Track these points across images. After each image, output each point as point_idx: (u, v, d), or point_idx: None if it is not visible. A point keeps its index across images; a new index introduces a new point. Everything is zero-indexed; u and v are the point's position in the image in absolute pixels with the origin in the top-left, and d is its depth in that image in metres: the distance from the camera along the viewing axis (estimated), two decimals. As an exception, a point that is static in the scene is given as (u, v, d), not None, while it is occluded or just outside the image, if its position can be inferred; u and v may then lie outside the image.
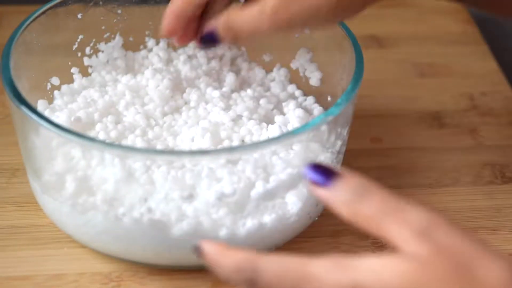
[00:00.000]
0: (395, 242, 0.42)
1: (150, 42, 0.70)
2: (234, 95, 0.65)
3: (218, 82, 0.67)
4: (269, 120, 0.62)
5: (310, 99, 0.66)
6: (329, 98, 0.65)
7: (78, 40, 0.66)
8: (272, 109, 0.64)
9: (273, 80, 0.68)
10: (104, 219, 0.54)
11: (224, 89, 0.65)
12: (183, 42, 0.60)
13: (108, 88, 0.65)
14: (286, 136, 0.54)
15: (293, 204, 0.56)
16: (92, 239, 0.56)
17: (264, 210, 0.55)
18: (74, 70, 0.66)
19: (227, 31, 0.56)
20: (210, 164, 0.54)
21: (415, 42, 0.83)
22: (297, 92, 0.67)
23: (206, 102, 0.63)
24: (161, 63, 0.68)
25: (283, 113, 0.64)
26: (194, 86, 0.65)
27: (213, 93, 0.64)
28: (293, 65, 0.67)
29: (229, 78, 0.66)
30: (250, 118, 0.62)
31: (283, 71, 0.68)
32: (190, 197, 0.53)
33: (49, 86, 0.65)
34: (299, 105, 0.65)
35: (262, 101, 0.64)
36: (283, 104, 0.65)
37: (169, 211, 0.53)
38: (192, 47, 0.69)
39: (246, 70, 0.69)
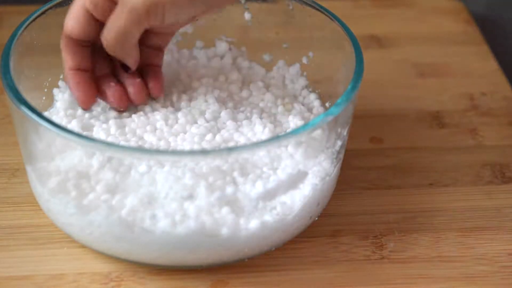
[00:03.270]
0: None
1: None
2: (236, 94, 0.65)
3: (219, 81, 0.67)
4: (270, 120, 0.62)
5: (310, 99, 0.66)
6: (329, 98, 0.65)
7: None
8: (272, 108, 0.64)
9: (272, 79, 0.68)
10: (109, 220, 0.54)
11: (225, 87, 0.65)
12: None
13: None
14: (286, 136, 0.54)
15: (293, 204, 0.56)
16: (96, 240, 0.56)
17: (265, 210, 0.55)
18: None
19: (107, 48, 0.57)
20: (211, 164, 0.54)
21: (415, 42, 0.83)
22: (297, 92, 0.67)
23: (208, 101, 0.63)
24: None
25: (283, 113, 0.64)
26: (196, 86, 0.65)
27: (214, 92, 0.64)
28: (293, 64, 0.67)
29: (232, 76, 0.66)
30: (251, 117, 0.62)
31: (282, 71, 0.68)
32: (190, 197, 0.53)
33: (48, 86, 0.65)
34: (299, 105, 0.65)
35: (262, 101, 0.65)
36: (284, 103, 0.65)
37: (172, 211, 0.53)
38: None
39: (247, 69, 0.69)
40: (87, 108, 0.61)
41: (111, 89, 0.61)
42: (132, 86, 0.61)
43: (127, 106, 0.62)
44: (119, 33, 0.56)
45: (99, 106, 0.63)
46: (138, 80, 0.61)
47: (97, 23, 0.57)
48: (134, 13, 0.55)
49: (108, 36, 0.56)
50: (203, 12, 0.57)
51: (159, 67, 0.63)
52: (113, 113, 0.62)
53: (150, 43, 0.61)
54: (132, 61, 0.59)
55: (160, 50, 0.62)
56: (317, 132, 0.56)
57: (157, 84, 0.62)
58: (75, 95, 0.60)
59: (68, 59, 0.59)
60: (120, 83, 0.61)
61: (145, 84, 0.62)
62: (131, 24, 0.55)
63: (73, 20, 0.57)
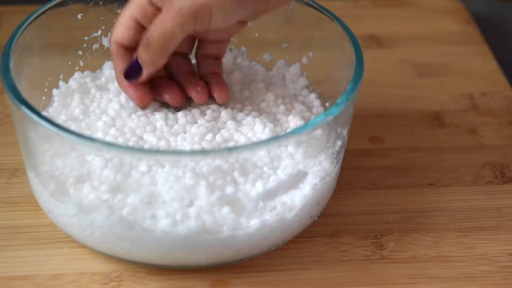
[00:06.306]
0: None
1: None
2: (236, 94, 0.65)
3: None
4: (270, 119, 0.62)
5: (310, 98, 0.66)
6: (329, 98, 0.65)
7: (78, 40, 0.66)
8: (273, 108, 0.64)
9: (273, 79, 0.68)
10: (109, 220, 0.54)
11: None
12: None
13: (110, 87, 0.65)
14: (286, 136, 0.54)
15: (293, 204, 0.56)
16: (97, 240, 0.56)
17: (265, 210, 0.55)
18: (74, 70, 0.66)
19: (145, 50, 0.58)
20: (211, 164, 0.54)
21: (415, 42, 0.83)
22: (297, 91, 0.67)
23: (208, 102, 0.63)
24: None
25: (283, 112, 0.64)
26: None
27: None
28: (293, 64, 0.67)
29: (232, 76, 0.66)
30: (251, 117, 0.62)
31: (283, 71, 0.68)
32: (191, 204, 0.54)
33: (48, 86, 0.65)
34: (300, 105, 0.65)
35: (263, 101, 0.64)
36: (283, 103, 0.65)
37: (172, 211, 0.53)
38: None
39: (247, 69, 0.69)
40: (144, 106, 0.62)
41: (169, 88, 0.62)
42: (195, 88, 0.62)
43: (183, 103, 0.63)
44: (163, 33, 0.56)
45: (100, 105, 0.63)
46: (202, 83, 0.63)
47: (144, 31, 0.58)
48: (181, 15, 0.55)
49: (151, 35, 0.57)
50: (251, 17, 0.58)
51: (220, 74, 0.63)
52: (112, 113, 0.62)
53: (206, 52, 0.62)
54: (156, 66, 0.59)
55: (218, 58, 0.63)
56: (317, 132, 0.56)
57: (222, 92, 0.63)
58: (131, 95, 0.61)
59: (118, 64, 0.60)
60: (174, 82, 0.63)
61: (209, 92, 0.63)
62: (177, 26, 0.56)
63: (122, 27, 0.59)
